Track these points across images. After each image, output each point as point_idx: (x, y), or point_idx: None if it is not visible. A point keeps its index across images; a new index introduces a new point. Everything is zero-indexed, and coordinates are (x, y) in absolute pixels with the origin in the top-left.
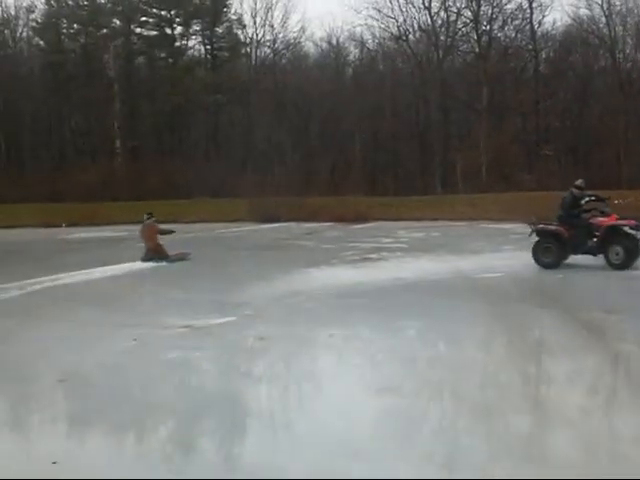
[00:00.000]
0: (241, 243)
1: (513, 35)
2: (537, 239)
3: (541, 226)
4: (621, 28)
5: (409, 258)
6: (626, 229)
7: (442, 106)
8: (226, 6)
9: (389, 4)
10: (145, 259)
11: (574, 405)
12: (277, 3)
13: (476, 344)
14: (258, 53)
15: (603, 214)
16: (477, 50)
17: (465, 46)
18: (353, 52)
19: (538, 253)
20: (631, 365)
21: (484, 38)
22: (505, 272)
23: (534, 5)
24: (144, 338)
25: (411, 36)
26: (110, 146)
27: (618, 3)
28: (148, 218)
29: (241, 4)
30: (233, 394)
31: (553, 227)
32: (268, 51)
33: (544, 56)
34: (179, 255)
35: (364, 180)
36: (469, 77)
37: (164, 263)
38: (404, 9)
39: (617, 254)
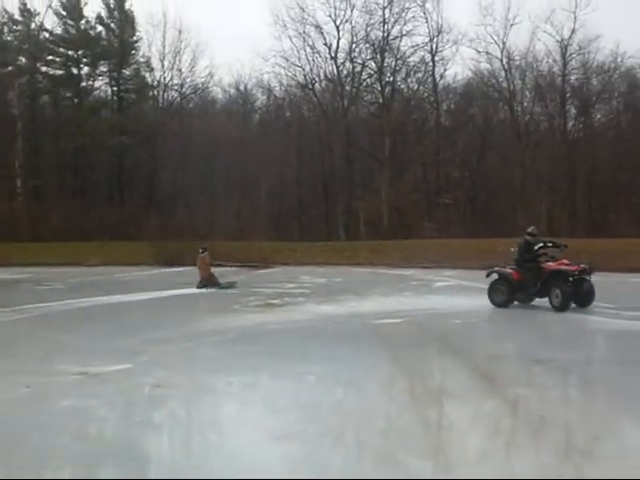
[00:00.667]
0: (141, 287)
1: (416, 87)
2: (492, 281)
3: (496, 269)
4: (520, 82)
5: (311, 303)
6: (571, 274)
7: (346, 155)
8: (134, 48)
9: (296, 53)
10: (199, 286)
11: (473, 448)
12: (185, 48)
13: (376, 389)
14: (165, 96)
15: (553, 259)
16: (381, 101)
17: (369, 96)
18: (260, 99)
19: (492, 294)
20: (520, 408)
21: (388, 89)
22: (405, 318)
23: (436, 58)
24: (37, 386)
25: (317, 85)
26: (11, 185)
27: (517, 58)
28: (202, 252)
29: (149, 47)
30: (130, 444)
31: (505, 270)
32: (175, 95)
33: (445, 108)
34: (228, 283)
35: (269, 225)
36: (373, 127)
37: (214, 289)
38: (311, 58)
39: (557, 297)
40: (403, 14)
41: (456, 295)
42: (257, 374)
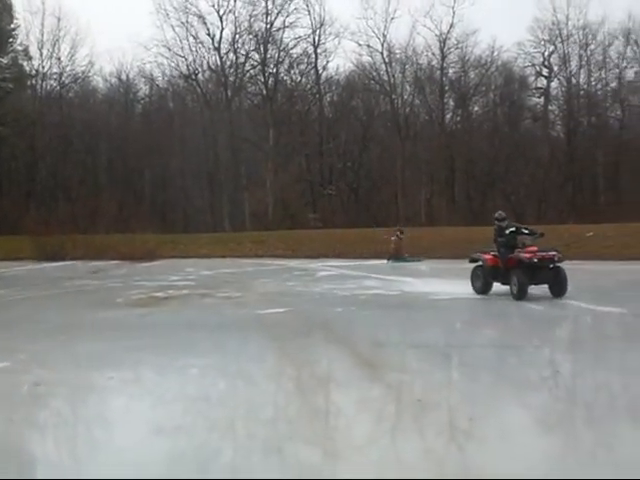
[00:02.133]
0: (19, 282)
1: (299, 79)
2: (474, 266)
3: (476, 255)
4: (400, 75)
5: (196, 296)
6: (528, 262)
7: (230, 145)
8: (11, 36)
9: (179, 43)
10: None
11: (361, 434)
12: (65, 36)
13: (263, 379)
14: (44, 85)
15: (523, 246)
16: (264, 92)
17: (253, 88)
18: (143, 88)
19: (472, 279)
20: (404, 393)
21: (271, 80)
22: (290, 308)
23: (319, 51)
24: None
25: (200, 75)
26: None
27: (398, 51)
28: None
29: (27, 35)
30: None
31: (481, 256)
32: (55, 84)
33: (328, 99)
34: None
35: (153, 217)
36: (256, 118)
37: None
38: (194, 48)
39: (515, 285)
40: (286, 6)
41: (339, 283)
42: (140, 368)
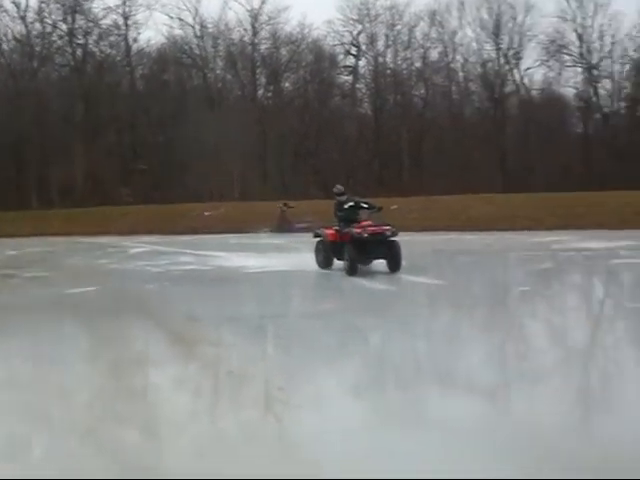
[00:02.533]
0: None
1: (108, 51)
2: (317, 241)
3: (319, 230)
4: (212, 50)
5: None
6: (359, 237)
7: (37, 118)
8: None
9: None
10: None
11: (177, 410)
12: None
13: (72, 361)
14: None
15: (357, 222)
16: (72, 63)
17: (61, 59)
18: None
19: (315, 254)
20: (221, 364)
21: (79, 52)
22: (101, 286)
23: (129, 22)
24: None
25: (5, 45)
26: None
27: (210, 26)
28: None
29: None
30: None
31: (323, 231)
32: None
33: (140, 73)
34: None
35: None
36: (65, 90)
37: None
38: None
39: (346, 260)
40: None
41: (153, 260)
42: None
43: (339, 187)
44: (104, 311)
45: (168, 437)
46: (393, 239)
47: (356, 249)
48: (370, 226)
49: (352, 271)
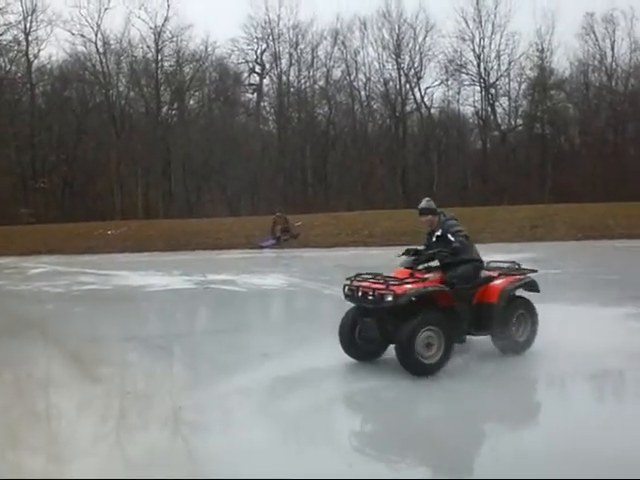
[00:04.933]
0: None
1: (8, 67)
2: None
3: None
4: (115, 67)
5: None
6: None
7: None
8: None
9: None
10: None
11: (80, 433)
12: None
13: None
14: None
15: None
16: None
17: None
18: None
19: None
20: (116, 387)
21: None
22: None
23: (30, 38)
24: None
25: None
26: None
27: (113, 42)
28: None
29: None
30: None
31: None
32: None
33: (41, 89)
34: None
35: None
36: None
37: None
38: None
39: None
40: None
41: (53, 280)
42: None
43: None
44: (1, 331)
45: (73, 461)
46: None
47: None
48: None
49: None
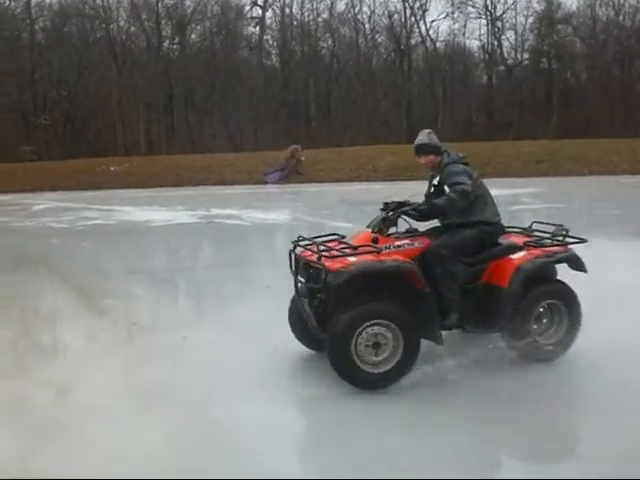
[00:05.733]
0: None
1: (7, 2)
2: None
3: None
4: (115, 1)
5: None
6: None
7: None
8: None
9: None
10: None
11: (96, 365)
12: None
13: None
14: None
15: None
16: None
17: None
18: None
19: None
20: (121, 319)
21: None
22: (4, 241)
23: None
24: None
25: None
26: None
27: None
28: None
29: None
30: None
31: None
32: None
33: (40, 25)
34: None
35: None
36: None
37: None
38: None
39: None
40: None
41: (57, 216)
42: None
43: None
44: (5, 267)
45: (75, 390)
46: None
47: None
48: None
49: None
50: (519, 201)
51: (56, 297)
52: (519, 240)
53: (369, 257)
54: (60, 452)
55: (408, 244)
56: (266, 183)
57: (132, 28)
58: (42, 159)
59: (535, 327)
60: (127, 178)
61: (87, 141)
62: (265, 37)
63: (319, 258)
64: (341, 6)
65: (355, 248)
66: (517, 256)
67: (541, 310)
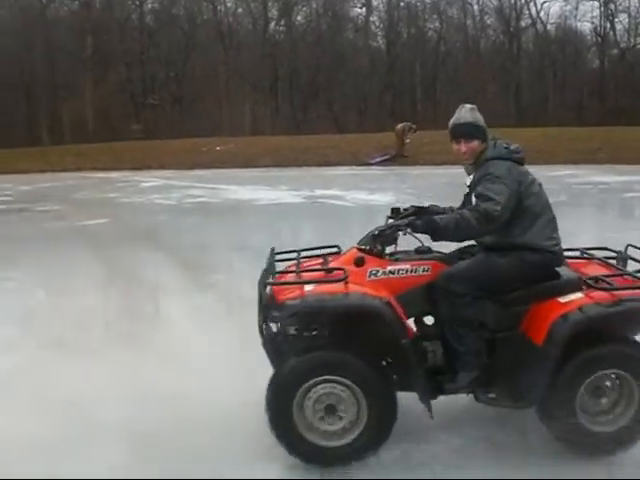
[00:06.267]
0: None
1: None
2: None
3: None
4: None
5: (13, 211)
6: None
7: (47, 54)
8: None
9: None
10: None
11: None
12: None
13: (86, 291)
14: None
15: None
16: None
17: None
18: None
19: None
20: (223, 292)
21: None
22: (112, 218)
23: None
24: None
25: None
26: None
27: None
28: None
29: None
30: None
31: None
32: None
33: (149, 7)
34: None
35: None
36: (74, 26)
37: None
38: None
39: None
40: None
41: (164, 193)
42: None
43: None
44: (115, 241)
45: (182, 360)
46: None
47: None
48: None
49: None
50: (632, 188)
51: (162, 271)
52: (594, 270)
53: (332, 288)
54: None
55: (407, 270)
56: (370, 164)
57: (239, 9)
58: (150, 138)
59: (591, 406)
60: (232, 158)
61: (193, 121)
62: (371, 18)
63: (264, 286)
64: None
65: (330, 271)
66: (568, 299)
67: (590, 383)
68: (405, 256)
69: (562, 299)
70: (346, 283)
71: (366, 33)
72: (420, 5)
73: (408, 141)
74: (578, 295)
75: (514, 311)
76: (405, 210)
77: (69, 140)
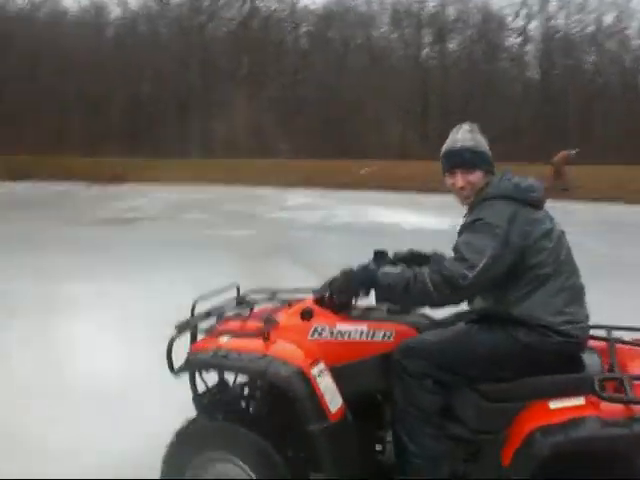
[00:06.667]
0: None
1: (274, 6)
2: None
3: None
4: (378, 7)
5: (164, 219)
6: None
7: (203, 72)
8: None
9: None
10: None
11: None
12: None
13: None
14: (12, 5)
15: None
16: (239, 18)
17: (228, 14)
18: (115, 11)
19: None
20: None
21: (246, 7)
22: (258, 231)
23: None
24: None
25: (174, 0)
26: None
27: None
28: None
29: None
30: None
31: None
32: (23, 2)
33: (304, 30)
34: None
35: (122, 143)
36: (231, 45)
37: None
38: None
39: None
40: None
41: (309, 210)
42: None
43: None
44: (259, 253)
45: None
46: None
47: None
48: None
49: None
50: None
51: (302, 283)
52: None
53: (247, 344)
54: None
55: (362, 333)
56: None
57: (393, 35)
58: (297, 157)
59: None
60: (377, 180)
61: (341, 142)
62: (526, 48)
63: (193, 337)
64: (608, 19)
65: (269, 321)
66: (554, 407)
67: None
68: (370, 313)
69: (552, 406)
70: (265, 339)
71: (521, 62)
72: (578, 37)
73: (567, 174)
74: (572, 404)
75: (502, 408)
76: (396, 255)
77: (220, 155)
